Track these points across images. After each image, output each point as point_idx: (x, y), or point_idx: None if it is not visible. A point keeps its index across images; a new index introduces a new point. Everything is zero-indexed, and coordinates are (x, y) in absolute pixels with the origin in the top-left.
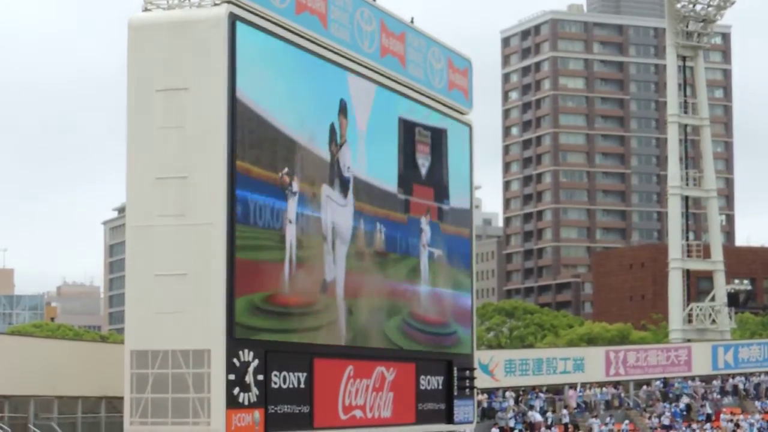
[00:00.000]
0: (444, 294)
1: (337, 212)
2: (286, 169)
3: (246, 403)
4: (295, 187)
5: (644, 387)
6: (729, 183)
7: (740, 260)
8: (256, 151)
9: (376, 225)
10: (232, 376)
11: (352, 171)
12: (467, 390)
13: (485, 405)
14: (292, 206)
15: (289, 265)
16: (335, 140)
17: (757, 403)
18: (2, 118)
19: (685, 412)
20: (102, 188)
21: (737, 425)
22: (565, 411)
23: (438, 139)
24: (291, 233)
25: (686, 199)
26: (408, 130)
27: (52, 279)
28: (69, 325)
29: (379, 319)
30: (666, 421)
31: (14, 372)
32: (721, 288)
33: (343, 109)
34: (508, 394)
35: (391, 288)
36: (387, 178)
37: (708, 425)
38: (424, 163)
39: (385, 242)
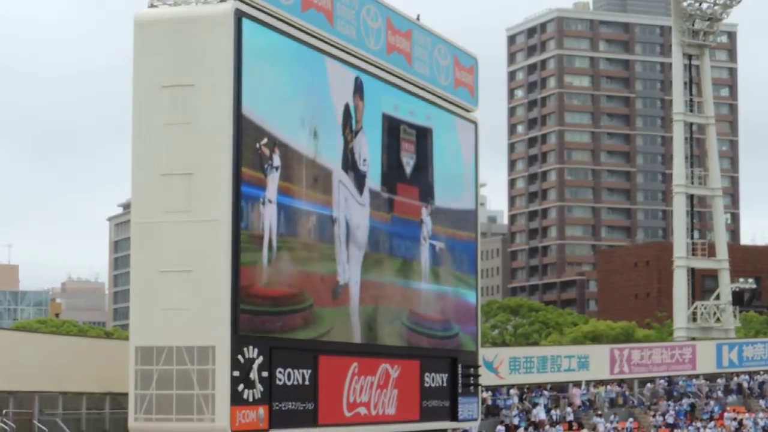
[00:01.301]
0: (446, 292)
1: (353, 207)
2: (265, 140)
3: (250, 399)
4: (277, 161)
5: (648, 385)
6: (734, 181)
7: (745, 259)
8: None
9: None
10: (236, 373)
11: (368, 164)
12: (472, 387)
13: (489, 402)
14: (272, 183)
15: (268, 260)
16: (350, 125)
17: (762, 402)
18: (7, 114)
19: (689, 411)
20: (107, 184)
21: (741, 424)
22: (569, 409)
23: (423, 138)
24: (270, 215)
25: (691, 197)
26: (392, 127)
27: (57, 275)
28: (74, 321)
29: (381, 323)
30: (670, 420)
31: (19, 368)
32: (725, 286)
33: (359, 89)
34: (512, 391)
35: (386, 289)
36: (371, 176)
37: (712, 424)
38: (408, 161)
39: (368, 242)
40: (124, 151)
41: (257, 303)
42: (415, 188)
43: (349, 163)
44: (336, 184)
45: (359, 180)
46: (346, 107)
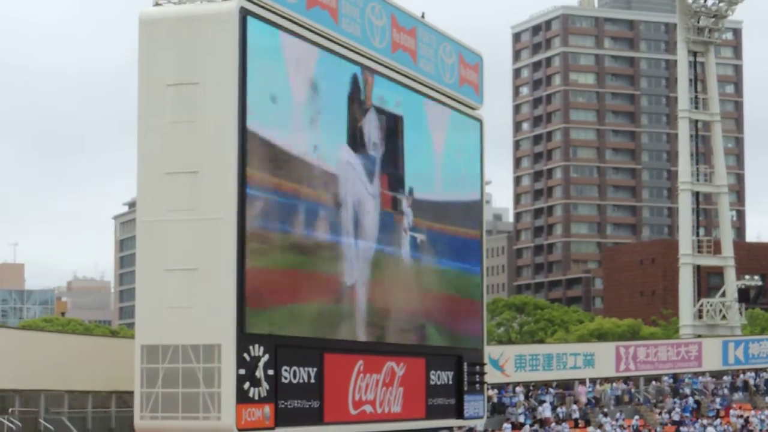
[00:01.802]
0: (452, 290)
1: (363, 194)
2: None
3: (256, 397)
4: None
5: (654, 383)
6: (740, 179)
7: (751, 256)
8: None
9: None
10: (242, 371)
11: (378, 149)
12: (477, 385)
13: (495, 400)
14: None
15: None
16: (358, 100)
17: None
18: (12, 113)
19: (695, 408)
20: (113, 183)
21: (747, 421)
22: (575, 406)
23: (393, 125)
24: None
25: (697, 194)
26: (390, 123)
27: (63, 274)
28: (79, 319)
29: (388, 321)
30: (676, 417)
31: (25, 366)
32: (731, 284)
33: (367, 69)
34: (518, 389)
35: (393, 287)
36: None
37: (718, 421)
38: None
39: (377, 237)
40: (129, 150)
41: (257, 303)
42: (384, 176)
43: (359, 142)
44: (344, 165)
45: (369, 167)
46: (354, 79)
